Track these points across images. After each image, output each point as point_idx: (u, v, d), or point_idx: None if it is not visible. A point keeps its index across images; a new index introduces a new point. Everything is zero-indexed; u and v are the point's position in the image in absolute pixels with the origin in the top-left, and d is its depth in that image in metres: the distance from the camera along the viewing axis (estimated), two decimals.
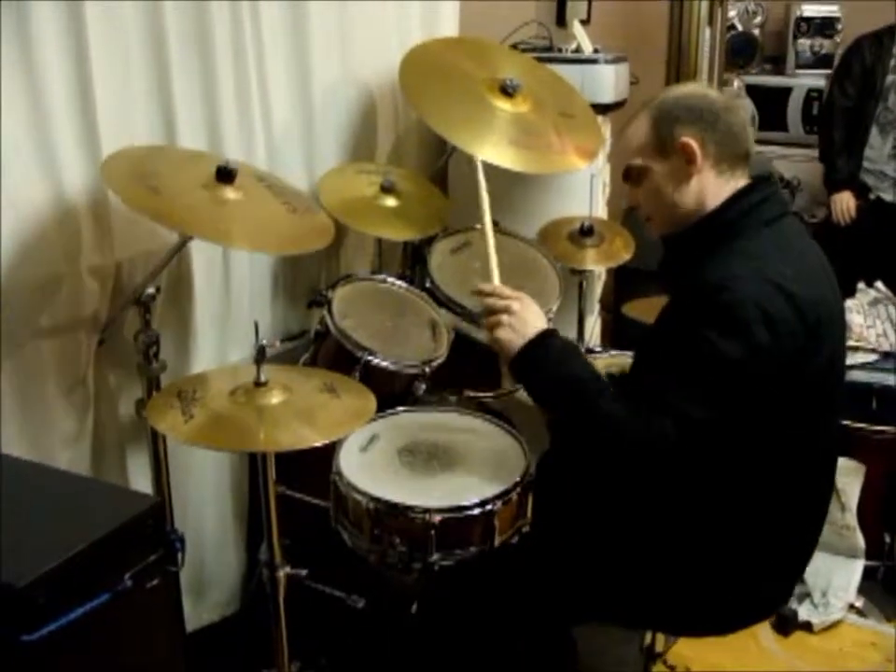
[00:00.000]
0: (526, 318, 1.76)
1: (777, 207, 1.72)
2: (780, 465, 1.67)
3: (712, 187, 1.70)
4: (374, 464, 2.06)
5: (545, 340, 1.74)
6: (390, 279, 2.57)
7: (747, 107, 4.52)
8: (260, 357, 1.81)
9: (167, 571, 1.43)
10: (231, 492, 2.58)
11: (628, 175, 1.79)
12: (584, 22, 3.37)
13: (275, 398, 1.82)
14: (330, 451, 2.06)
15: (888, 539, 2.83)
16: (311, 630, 2.24)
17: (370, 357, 2.23)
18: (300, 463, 2.13)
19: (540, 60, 3.01)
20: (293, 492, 2.27)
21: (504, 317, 1.76)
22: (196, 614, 2.53)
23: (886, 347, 2.94)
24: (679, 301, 1.69)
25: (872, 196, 4.09)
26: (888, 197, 4.05)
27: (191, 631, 2.48)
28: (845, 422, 2.80)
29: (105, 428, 2.23)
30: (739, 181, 1.72)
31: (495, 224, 2.78)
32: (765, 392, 1.58)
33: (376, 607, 2.35)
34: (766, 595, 1.85)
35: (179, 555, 1.45)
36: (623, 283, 3.85)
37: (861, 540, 2.78)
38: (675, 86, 1.84)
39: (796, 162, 4.67)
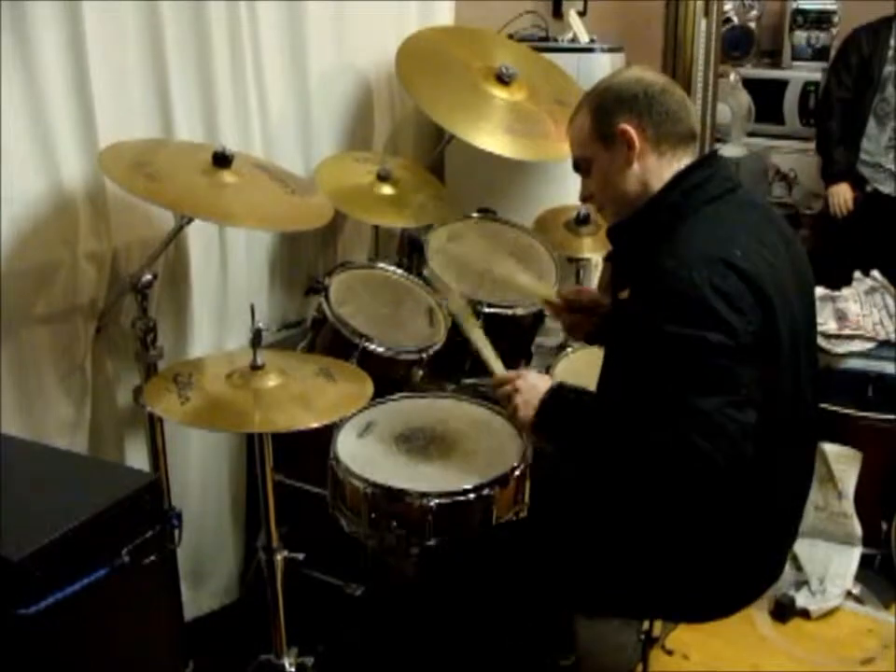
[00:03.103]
0: (531, 389, 1.78)
1: (722, 184, 1.70)
2: (759, 453, 1.65)
3: (654, 169, 1.70)
4: (372, 450, 2.06)
5: (552, 399, 1.75)
6: (387, 267, 2.57)
7: (742, 100, 4.51)
8: (257, 339, 1.82)
9: (164, 548, 1.44)
10: (229, 482, 2.59)
11: (577, 167, 1.80)
12: (581, 14, 3.37)
13: (271, 381, 1.83)
14: (327, 439, 2.06)
15: (884, 527, 2.83)
16: (309, 617, 2.24)
17: (367, 344, 2.23)
18: (297, 451, 2.14)
19: (536, 49, 3.02)
20: (291, 480, 2.28)
21: (515, 399, 1.79)
22: (195, 602, 2.54)
23: (882, 336, 2.93)
24: (636, 296, 1.67)
25: (869, 188, 4.08)
26: (885, 189, 4.04)
27: (191, 619, 2.49)
28: (841, 410, 2.82)
29: (102, 416, 2.23)
30: (682, 162, 1.71)
31: (492, 213, 2.81)
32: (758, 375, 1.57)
33: (374, 594, 2.35)
34: (753, 578, 1.84)
35: (176, 532, 1.46)
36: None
37: (858, 528, 2.78)
38: (612, 74, 1.81)
39: (792, 155, 4.67)
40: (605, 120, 1.70)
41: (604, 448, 1.64)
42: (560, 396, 1.76)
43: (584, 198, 1.83)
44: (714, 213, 1.66)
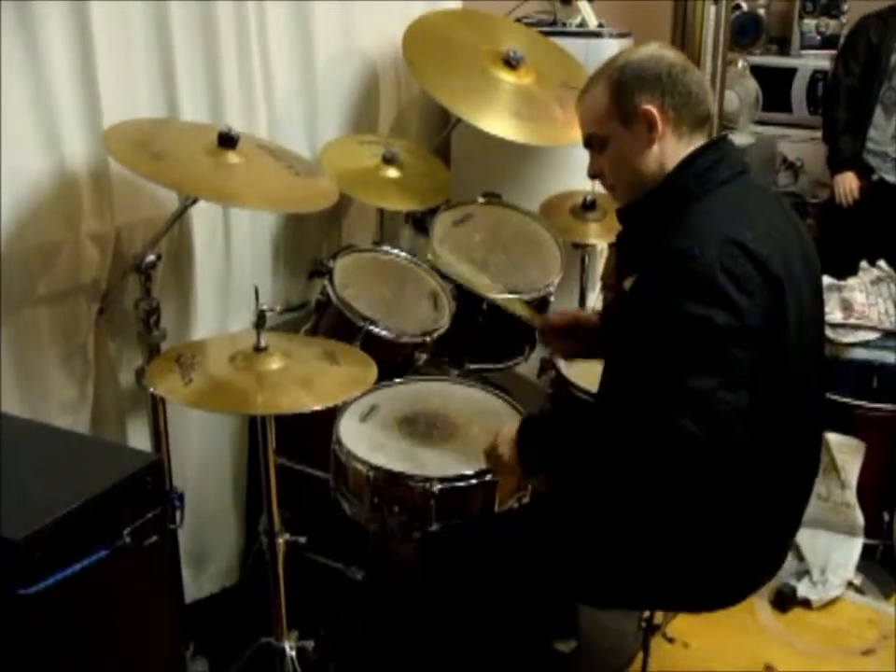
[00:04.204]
0: (506, 435, 1.80)
1: (733, 167, 1.70)
2: (761, 440, 1.64)
3: (672, 151, 1.68)
4: (374, 433, 2.06)
5: (523, 429, 1.78)
6: (392, 250, 2.56)
7: (750, 87, 4.49)
8: (260, 321, 1.81)
9: (166, 529, 1.43)
10: (231, 465, 2.59)
11: (590, 144, 1.77)
12: (589, 0, 3.35)
13: (275, 363, 1.82)
14: (330, 422, 2.05)
15: (886, 518, 2.83)
16: (310, 601, 2.25)
17: (370, 327, 2.22)
18: (300, 434, 2.14)
19: (544, 34, 3.00)
20: (293, 463, 2.28)
21: (499, 451, 1.80)
22: (196, 585, 2.54)
23: (887, 325, 2.93)
24: (646, 276, 1.66)
25: (875, 177, 4.06)
26: (891, 178, 4.02)
27: (192, 601, 2.49)
28: (845, 399, 2.81)
29: (104, 397, 2.22)
30: (696, 144, 1.70)
31: (497, 197, 2.80)
32: (762, 359, 1.56)
33: (375, 578, 2.35)
34: (755, 568, 1.83)
35: (178, 513, 1.45)
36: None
37: (860, 518, 2.78)
38: (630, 50, 1.76)
39: (800, 143, 4.65)
40: (625, 99, 1.67)
41: (594, 444, 1.63)
42: (530, 422, 1.81)
43: (593, 175, 1.80)
44: (725, 195, 1.65)
